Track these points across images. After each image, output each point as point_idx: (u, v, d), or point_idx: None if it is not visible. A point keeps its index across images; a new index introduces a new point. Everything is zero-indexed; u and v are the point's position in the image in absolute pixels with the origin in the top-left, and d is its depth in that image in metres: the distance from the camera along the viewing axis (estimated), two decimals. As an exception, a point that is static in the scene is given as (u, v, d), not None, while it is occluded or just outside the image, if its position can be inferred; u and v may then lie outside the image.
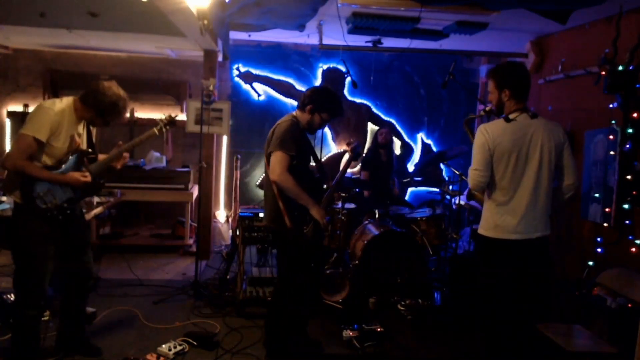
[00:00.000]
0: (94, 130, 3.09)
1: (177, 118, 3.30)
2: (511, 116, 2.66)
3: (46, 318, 3.32)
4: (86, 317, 3.59)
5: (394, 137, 6.09)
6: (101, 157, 3.05)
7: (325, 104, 3.06)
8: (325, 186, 3.30)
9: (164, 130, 3.17)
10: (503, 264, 2.71)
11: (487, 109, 2.90)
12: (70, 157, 2.86)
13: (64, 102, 2.82)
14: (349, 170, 6.32)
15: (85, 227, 3.18)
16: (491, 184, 2.69)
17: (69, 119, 2.82)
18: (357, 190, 4.83)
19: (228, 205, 6.28)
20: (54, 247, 2.84)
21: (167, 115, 3.22)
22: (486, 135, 2.64)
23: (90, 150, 2.98)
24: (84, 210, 3.71)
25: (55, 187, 2.79)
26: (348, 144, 3.33)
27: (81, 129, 2.94)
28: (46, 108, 2.75)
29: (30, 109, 5.14)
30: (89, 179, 2.86)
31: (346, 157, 3.36)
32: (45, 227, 2.78)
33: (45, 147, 2.74)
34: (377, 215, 4.87)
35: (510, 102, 2.69)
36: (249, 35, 5.43)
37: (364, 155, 5.75)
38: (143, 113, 5.95)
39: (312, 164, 3.24)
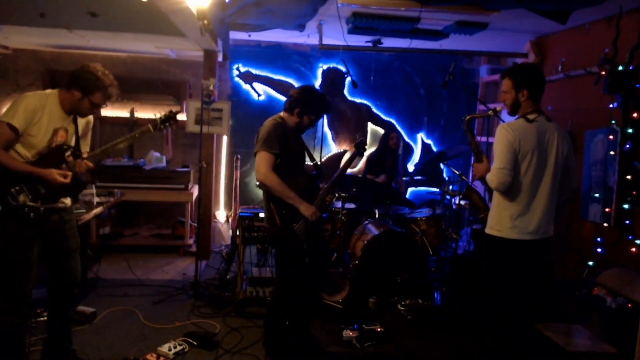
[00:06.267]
0: (86, 128, 2.90)
1: (177, 117, 3.00)
2: (530, 117, 2.66)
3: (45, 318, 3.29)
4: (86, 319, 3.61)
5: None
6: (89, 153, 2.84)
7: (312, 105, 3.08)
8: (321, 184, 3.30)
9: (161, 127, 2.91)
10: (515, 264, 2.72)
11: (499, 108, 2.89)
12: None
13: (47, 91, 2.68)
14: (349, 170, 6.39)
15: (73, 232, 2.90)
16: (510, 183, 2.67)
17: (51, 109, 2.64)
18: (355, 191, 4.83)
19: (228, 205, 6.28)
20: (35, 250, 2.67)
21: (168, 111, 2.93)
22: (513, 133, 2.61)
23: (75, 147, 2.77)
24: (82, 211, 3.72)
25: (29, 185, 2.60)
26: (353, 139, 3.37)
27: (69, 124, 2.74)
28: (24, 95, 2.60)
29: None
30: (68, 180, 2.64)
31: (347, 155, 3.38)
32: (26, 229, 2.61)
33: (24, 137, 2.58)
34: (377, 215, 4.87)
35: (528, 103, 2.69)
36: (249, 35, 5.43)
37: (368, 154, 5.70)
38: (143, 113, 5.94)
39: (309, 163, 3.26)
